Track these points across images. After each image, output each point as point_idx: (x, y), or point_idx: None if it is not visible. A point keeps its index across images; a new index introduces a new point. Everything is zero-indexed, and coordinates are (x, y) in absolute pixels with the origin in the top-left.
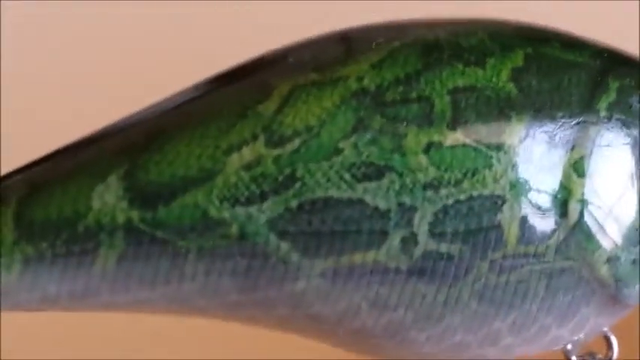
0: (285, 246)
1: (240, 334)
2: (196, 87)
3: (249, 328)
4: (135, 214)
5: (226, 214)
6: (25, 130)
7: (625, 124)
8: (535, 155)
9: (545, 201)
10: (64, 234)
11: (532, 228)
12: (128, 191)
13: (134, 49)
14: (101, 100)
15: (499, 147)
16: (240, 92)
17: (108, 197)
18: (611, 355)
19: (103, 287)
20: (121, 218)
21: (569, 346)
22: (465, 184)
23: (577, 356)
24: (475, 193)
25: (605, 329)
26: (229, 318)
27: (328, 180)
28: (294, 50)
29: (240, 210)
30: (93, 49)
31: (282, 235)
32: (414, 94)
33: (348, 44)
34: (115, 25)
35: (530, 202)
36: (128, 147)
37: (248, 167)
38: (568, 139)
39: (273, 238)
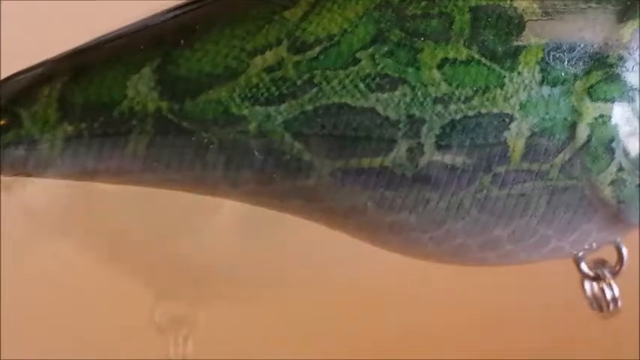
0: (298, 145)
1: (241, 335)
2: None
3: (250, 327)
4: (164, 105)
5: (246, 112)
6: None
7: None
8: (549, 77)
9: (553, 122)
10: (101, 117)
11: (538, 147)
12: (159, 83)
13: None
14: None
15: (513, 67)
16: None
17: (141, 87)
18: (620, 266)
19: (134, 167)
20: (151, 107)
21: (580, 253)
22: (475, 101)
23: (587, 263)
24: (484, 111)
25: (618, 240)
26: (251, 203)
27: (343, 88)
28: None
29: (259, 109)
30: None
31: (297, 135)
32: (435, 10)
33: None
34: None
35: (539, 122)
36: (161, 41)
37: (269, 70)
38: (586, 63)
39: (288, 137)
